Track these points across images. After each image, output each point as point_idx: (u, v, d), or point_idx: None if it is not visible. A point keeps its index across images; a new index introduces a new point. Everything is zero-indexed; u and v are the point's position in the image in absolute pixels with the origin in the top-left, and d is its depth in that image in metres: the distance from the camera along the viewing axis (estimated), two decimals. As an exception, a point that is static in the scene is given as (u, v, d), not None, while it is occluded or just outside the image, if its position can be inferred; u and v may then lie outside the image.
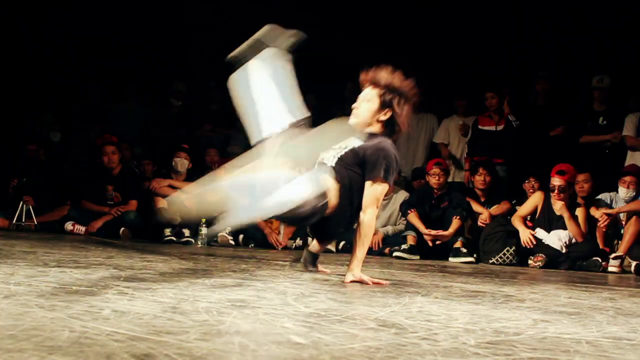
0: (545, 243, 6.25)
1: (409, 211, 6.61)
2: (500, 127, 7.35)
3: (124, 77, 8.74)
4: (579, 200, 6.45)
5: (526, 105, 7.57)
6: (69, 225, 7.02)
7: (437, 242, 6.49)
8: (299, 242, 6.83)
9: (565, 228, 6.22)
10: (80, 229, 6.97)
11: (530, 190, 6.73)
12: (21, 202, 7.06)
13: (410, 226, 6.57)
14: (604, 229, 6.20)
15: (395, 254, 6.38)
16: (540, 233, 6.31)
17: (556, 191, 6.25)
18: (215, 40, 8.75)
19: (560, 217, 6.25)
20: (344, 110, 3.47)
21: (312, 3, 7.90)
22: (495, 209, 6.73)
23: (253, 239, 6.93)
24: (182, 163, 7.14)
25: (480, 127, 7.44)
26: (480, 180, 6.84)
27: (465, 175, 7.48)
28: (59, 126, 8.69)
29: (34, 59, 8.63)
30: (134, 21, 8.48)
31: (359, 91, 3.46)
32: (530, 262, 6.16)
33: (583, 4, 7.83)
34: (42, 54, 8.67)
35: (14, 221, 7.01)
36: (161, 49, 8.84)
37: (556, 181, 6.27)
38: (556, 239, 6.22)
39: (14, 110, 8.47)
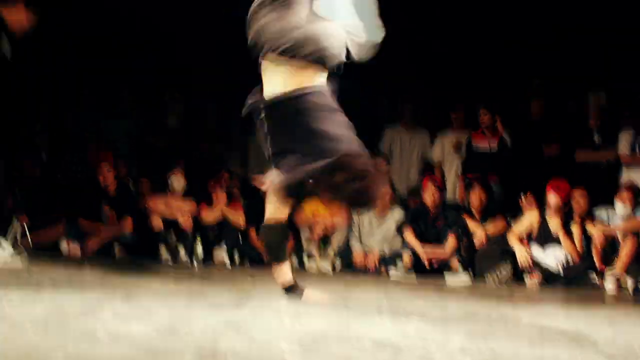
0: (542, 261, 6.23)
1: (404, 229, 6.59)
2: (493, 145, 7.34)
3: (120, 92, 8.72)
4: (575, 216, 6.44)
5: (521, 121, 7.57)
6: (63, 244, 6.98)
7: (434, 261, 6.47)
8: (294, 260, 6.80)
9: (561, 245, 6.21)
10: (75, 247, 6.93)
11: (527, 207, 6.72)
12: (16, 221, 7.02)
13: (406, 245, 6.55)
14: (600, 247, 6.19)
15: (391, 273, 6.35)
16: (536, 251, 6.30)
17: (552, 208, 6.25)
18: (213, 58, 8.78)
19: (556, 235, 6.24)
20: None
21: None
22: (491, 227, 6.70)
23: (249, 258, 6.90)
24: (178, 181, 7.12)
25: (473, 144, 7.43)
26: (475, 197, 6.82)
27: (460, 193, 7.47)
28: (52, 143, 8.66)
29: (30, 67, 8.60)
30: (134, 27, 8.45)
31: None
32: (526, 280, 6.15)
33: (578, 21, 7.87)
34: (40, 60, 8.64)
35: (8, 240, 6.96)
36: (160, 66, 8.84)
37: (552, 198, 6.26)
38: (552, 257, 6.20)
39: (9, 126, 8.42)
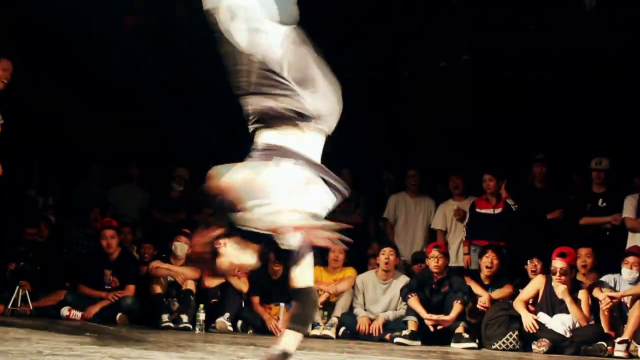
0: (549, 327, 6.14)
1: (409, 296, 6.52)
2: (498, 210, 7.33)
3: (126, 160, 8.79)
4: (582, 278, 6.37)
5: (524, 188, 7.56)
6: (65, 311, 6.91)
7: (439, 327, 6.38)
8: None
9: (568, 312, 6.13)
10: (77, 314, 6.86)
11: (533, 270, 6.65)
12: (17, 287, 6.97)
13: (411, 311, 6.47)
14: (607, 312, 6.11)
15: (396, 339, 6.25)
16: (543, 317, 6.21)
17: (558, 274, 6.18)
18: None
19: (563, 301, 6.16)
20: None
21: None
22: (497, 293, 6.63)
23: (252, 325, 6.81)
24: (181, 247, 7.07)
25: (477, 210, 7.41)
26: (487, 263, 6.74)
27: (465, 258, 7.41)
28: (58, 209, 8.68)
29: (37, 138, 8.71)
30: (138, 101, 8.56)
31: None
32: (534, 347, 6.04)
33: (580, 88, 7.99)
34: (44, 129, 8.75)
35: (9, 306, 6.90)
36: (164, 134, 8.92)
37: (558, 264, 6.21)
38: (559, 323, 6.11)
39: (14, 193, 8.46)
